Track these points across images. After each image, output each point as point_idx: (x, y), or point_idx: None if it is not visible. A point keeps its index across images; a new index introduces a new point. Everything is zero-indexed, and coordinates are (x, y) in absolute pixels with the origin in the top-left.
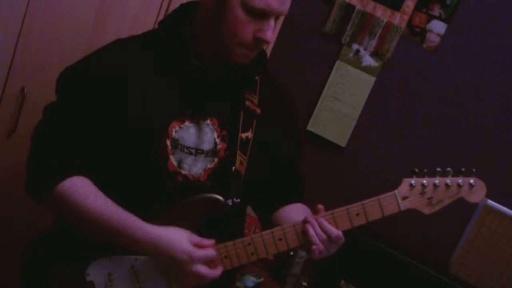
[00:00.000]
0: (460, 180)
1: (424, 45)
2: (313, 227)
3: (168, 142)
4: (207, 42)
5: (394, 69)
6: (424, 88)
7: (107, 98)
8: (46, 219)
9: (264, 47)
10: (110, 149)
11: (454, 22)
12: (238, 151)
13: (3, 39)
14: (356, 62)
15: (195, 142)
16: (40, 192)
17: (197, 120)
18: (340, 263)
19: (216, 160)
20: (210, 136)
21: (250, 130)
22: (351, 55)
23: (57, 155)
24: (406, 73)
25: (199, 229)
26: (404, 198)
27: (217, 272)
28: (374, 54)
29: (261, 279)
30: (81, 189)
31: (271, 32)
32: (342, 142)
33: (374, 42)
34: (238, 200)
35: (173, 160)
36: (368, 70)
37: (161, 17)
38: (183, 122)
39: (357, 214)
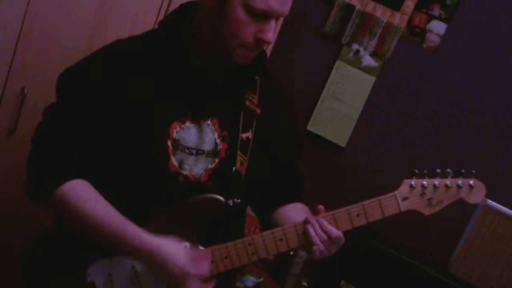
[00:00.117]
0: (459, 181)
1: (424, 45)
2: (313, 227)
3: (169, 143)
4: (207, 42)
5: (394, 69)
6: (424, 88)
7: (108, 99)
8: (46, 219)
9: (264, 47)
10: (111, 150)
11: (454, 22)
12: (238, 152)
13: (3, 39)
14: (356, 62)
15: (196, 143)
16: (40, 194)
17: (197, 121)
18: (340, 263)
19: (217, 160)
20: (211, 136)
21: (250, 130)
22: (351, 55)
23: (57, 157)
24: (406, 73)
25: (200, 230)
26: (405, 199)
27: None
28: (374, 54)
29: (261, 279)
30: (81, 192)
31: (272, 33)
32: (342, 142)
33: (374, 42)
34: (239, 200)
35: (174, 160)
36: (368, 70)
37: (161, 17)
38: (184, 122)
39: (358, 215)
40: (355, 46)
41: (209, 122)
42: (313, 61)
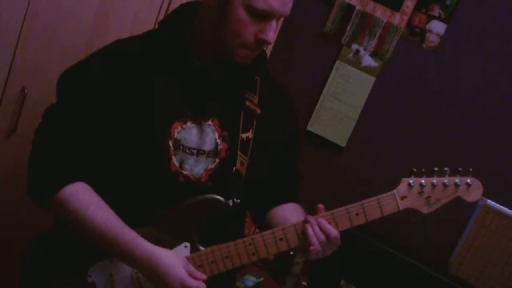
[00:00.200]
0: (457, 180)
1: (424, 45)
2: (312, 227)
3: (170, 143)
4: (207, 42)
5: (394, 69)
6: (424, 88)
7: (108, 100)
8: (46, 219)
9: (265, 48)
10: (112, 150)
11: (453, 23)
12: (238, 152)
13: (4, 39)
14: (356, 62)
15: (196, 143)
16: (42, 197)
17: (198, 121)
18: (340, 263)
19: (217, 160)
20: (211, 136)
21: (251, 130)
22: (351, 55)
23: (58, 159)
24: (405, 73)
25: (200, 230)
26: (403, 197)
27: None
28: (374, 54)
29: (261, 279)
30: (82, 197)
31: (272, 33)
32: (342, 142)
33: (374, 42)
34: (239, 200)
35: (175, 160)
36: (368, 70)
37: (161, 17)
38: (185, 122)
39: (357, 214)
40: (355, 46)
41: (209, 122)
42: (313, 61)
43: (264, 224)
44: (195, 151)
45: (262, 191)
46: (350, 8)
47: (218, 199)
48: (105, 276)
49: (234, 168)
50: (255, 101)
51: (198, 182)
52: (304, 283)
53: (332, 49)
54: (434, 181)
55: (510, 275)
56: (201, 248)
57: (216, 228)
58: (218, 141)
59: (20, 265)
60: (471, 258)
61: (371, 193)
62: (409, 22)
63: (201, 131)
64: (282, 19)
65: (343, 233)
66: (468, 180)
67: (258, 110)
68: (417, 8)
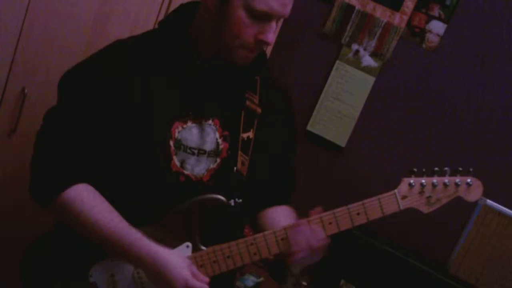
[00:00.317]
0: (457, 179)
1: (424, 45)
2: (302, 232)
3: (171, 143)
4: (208, 42)
5: (394, 69)
6: (424, 88)
7: (109, 100)
8: (47, 219)
9: (265, 48)
10: (113, 150)
11: (453, 23)
12: (239, 151)
13: (4, 40)
14: (355, 62)
15: (197, 143)
16: (45, 199)
17: (199, 121)
18: (340, 263)
19: (218, 160)
20: (212, 136)
21: (251, 130)
22: (350, 55)
23: (61, 161)
24: (405, 73)
25: (202, 230)
26: (404, 197)
27: None
28: (374, 54)
29: (261, 279)
30: (86, 198)
31: (272, 34)
32: (342, 142)
33: (373, 42)
34: (240, 200)
35: (175, 160)
36: (367, 70)
37: (161, 17)
38: (185, 122)
39: (358, 214)
40: (355, 46)
41: (210, 122)
42: (313, 61)
43: (255, 224)
44: (196, 151)
45: (261, 191)
46: (350, 8)
47: (220, 199)
48: (107, 276)
49: (235, 168)
50: (256, 101)
51: (199, 182)
52: (304, 283)
53: (332, 49)
54: (435, 180)
55: (510, 275)
56: (203, 248)
57: (217, 228)
58: (219, 141)
59: (21, 265)
60: (471, 258)
61: (371, 193)
62: (409, 22)
63: (202, 130)
64: (282, 20)
65: (343, 233)
66: (469, 180)
67: (259, 110)
68: (417, 8)
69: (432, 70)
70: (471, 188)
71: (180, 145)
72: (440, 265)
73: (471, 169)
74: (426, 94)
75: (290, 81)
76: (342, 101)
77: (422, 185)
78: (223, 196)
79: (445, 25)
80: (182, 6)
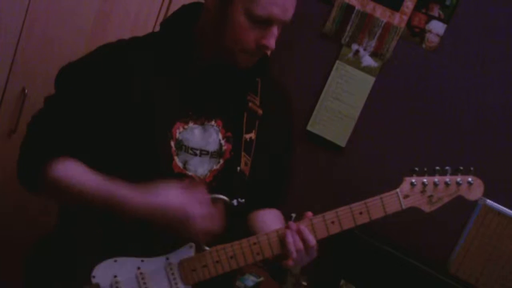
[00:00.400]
0: (459, 179)
1: (424, 45)
2: (292, 235)
3: (172, 143)
4: (210, 44)
5: (394, 69)
6: (423, 88)
7: (107, 95)
8: (47, 219)
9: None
10: (113, 149)
11: (453, 23)
12: (242, 152)
13: (4, 40)
14: (355, 62)
15: (199, 143)
16: (30, 175)
17: (201, 122)
18: (340, 263)
19: (221, 161)
20: (215, 137)
21: (253, 131)
22: (350, 55)
23: (47, 138)
24: (405, 73)
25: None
26: (406, 196)
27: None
28: (374, 54)
29: (261, 279)
30: (76, 165)
31: (273, 39)
32: (342, 142)
33: (373, 42)
34: (243, 200)
35: (177, 161)
36: (367, 70)
37: (161, 18)
38: (187, 123)
39: (361, 213)
40: (355, 46)
41: (213, 123)
42: (313, 61)
43: (246, 225)
44: (198, 152)
45: (261, 191)
46: (350, 8)
47: (223, 199)
48: (110, 277)
49: (238, 168)
50: (257, 102)
51: (202, 182)
52: (304, 283)
53: (332, 49)
54: (436, 180)
55: (510, 275)
56: (206, 248)
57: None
58: (222, 142)
59: (23, 266)
60: (470, 258)
61: (371, 193)
62: (409, 22)
63: (204, 131)
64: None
65: (343, 233)
66: (470, 179)
67: (260, 111)
68: (417, 8)
69: (432, 70)
70: (472, 187)
71: (181, 146)
72: (440, 265)
73: (472, 168)
74: (426, 94)
75: (290, 81)
76: (342, 101)
77: (423, 184)
78: (225, 196)
79: (445, 25)
80: (184, 7)
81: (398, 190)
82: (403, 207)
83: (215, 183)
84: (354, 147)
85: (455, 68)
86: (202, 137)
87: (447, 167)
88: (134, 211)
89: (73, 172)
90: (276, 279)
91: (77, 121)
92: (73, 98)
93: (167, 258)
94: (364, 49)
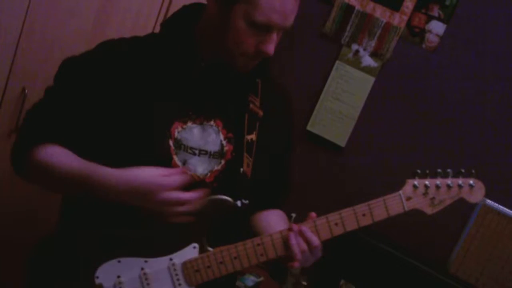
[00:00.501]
0: (460, 181)
1: (423, 46)
2: (295, 236)
3: (171, 142)
4: (211, 45)
5: (394, 69)
6: (423, 88)
7: (108, 91)
8: (47, 220)
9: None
10: (113, 148)
11: (453, 23)
12: (245, 153)
13: (4, 40)
14: (355, 62)
15: (198, 143)
16: (19, 156)
17: (200, 121)
18: (340, 262)
19: (222, 162)
20: (214, 137)
21: (254, 132)
22: (350, 55)
23: (43, 125)
24: (405, 73)
25: (209, 231)
26: (408, 198)
27: (188, 195)
28: (374, 55)
29: (261, 279)
30: (60, 150)
31: (273, 45)
32: (342, 142)
33: (373, 43)
34: (247, 201)
35: (176, 160)
36: (367, 70)
37: (161, 18)
38: (185, 123)
39: (364, 215)
40: (354, 47)
41: (212, 123)
42: (313, 61)
43: (248, 226)
44: (197, 151)
45: (262, 192)
46: (349, 8)
47: (227, 200)
48: (113, 277)
49: (241, 169)
50: (257, 104)
51: (202, 182)
52: (304, 283)
53: (332, 49)
54: (438, 182)
55: (510, 275)
56: (210, 249)
57: (224, 229)
58: (224, 142)
59: (26, 266)
60: (470, 258)
61: (371, 193)
62: (409, 22)
63: (203, 131)
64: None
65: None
66: (471, 182)
67: (261, 113)
68: (416, 8)
69: (432, 70)
70: (473, 189)
71: (180, 145)
72: (440, 265)
73: (473, 171)
74: (426, 94)
75: (290, 81)
76: (342, 101)
77: (426, 186)
78: (229, 197)
79: (445, 25)
80: (184, 7)
81: (401, 192)
82: (406, 209)
83: (216, 184)
84: (354, 147)
85: (455, 68)
86: (201, 136)
87: (448, 170)
88: (112, 189)
89: (56, 154)
90: (276, 279)
91: (73, 113)
92: (72, 91)
93: (171, 259)
94: (364, 49)
